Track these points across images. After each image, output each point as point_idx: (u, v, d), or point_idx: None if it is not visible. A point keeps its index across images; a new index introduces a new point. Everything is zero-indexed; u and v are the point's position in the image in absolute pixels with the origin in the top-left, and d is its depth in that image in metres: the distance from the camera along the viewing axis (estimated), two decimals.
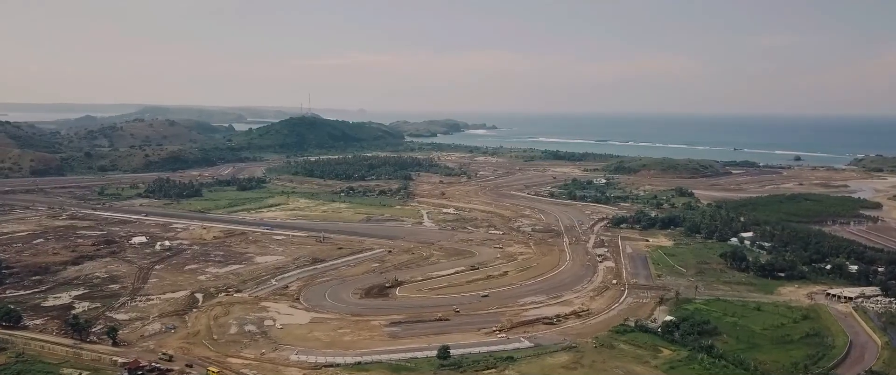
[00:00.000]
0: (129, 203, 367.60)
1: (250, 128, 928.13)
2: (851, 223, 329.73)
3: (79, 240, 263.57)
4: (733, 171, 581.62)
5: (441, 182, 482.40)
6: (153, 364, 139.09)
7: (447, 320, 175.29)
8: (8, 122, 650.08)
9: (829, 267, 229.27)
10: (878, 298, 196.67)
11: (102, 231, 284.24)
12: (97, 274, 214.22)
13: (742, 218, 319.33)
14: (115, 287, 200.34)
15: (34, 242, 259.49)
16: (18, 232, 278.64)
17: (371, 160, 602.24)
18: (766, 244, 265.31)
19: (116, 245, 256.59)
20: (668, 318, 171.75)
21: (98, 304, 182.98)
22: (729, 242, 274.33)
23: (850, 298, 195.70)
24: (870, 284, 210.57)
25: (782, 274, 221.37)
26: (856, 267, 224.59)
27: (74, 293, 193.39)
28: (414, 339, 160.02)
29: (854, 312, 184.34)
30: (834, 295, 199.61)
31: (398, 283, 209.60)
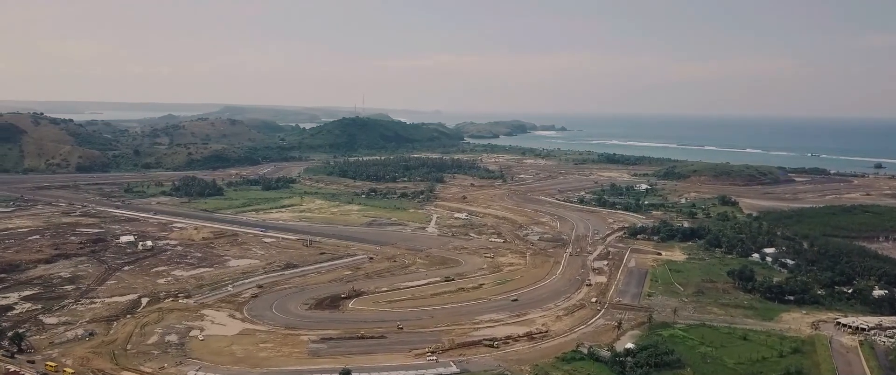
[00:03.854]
0: (147, 201, 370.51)
1: (304, 128, 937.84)
2: None
3: (71, 238, 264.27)
4: (797, 179, 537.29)
5: (472, 185, 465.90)
6: None
7: (384, 337, 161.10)
8: (70, 120, 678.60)
9: (851, 290, 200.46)
10: None
11: (101, 229, 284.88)
12: (61, 273, 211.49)
13: (779, 232, 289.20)
14: (69, 288, 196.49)
15: (28, 239, 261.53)
16: (21, 227, 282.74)
17: (410, 161, 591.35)
18: (790, 261, 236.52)
19: (103, 244, 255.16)
20: (628, 346, 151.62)
21: (39, 306, 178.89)
22: (750, 258, 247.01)
23: (863, 329, 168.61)
24: (894, 313, 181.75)
25: (792, 298, 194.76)
26: (881, 292, 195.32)
27: (25, 293, 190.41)
28: (333, 358, 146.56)
29: (859, 347, 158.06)
30: (845, 325, 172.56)
31: (357, 294, 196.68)
